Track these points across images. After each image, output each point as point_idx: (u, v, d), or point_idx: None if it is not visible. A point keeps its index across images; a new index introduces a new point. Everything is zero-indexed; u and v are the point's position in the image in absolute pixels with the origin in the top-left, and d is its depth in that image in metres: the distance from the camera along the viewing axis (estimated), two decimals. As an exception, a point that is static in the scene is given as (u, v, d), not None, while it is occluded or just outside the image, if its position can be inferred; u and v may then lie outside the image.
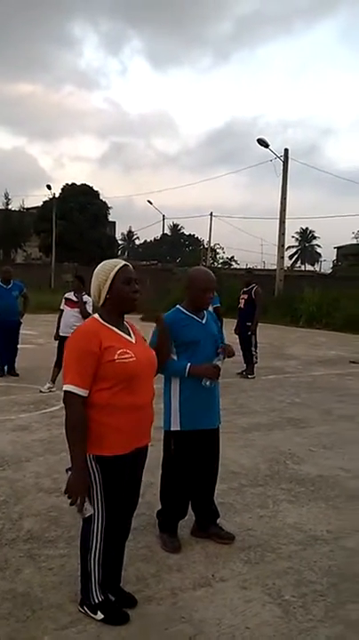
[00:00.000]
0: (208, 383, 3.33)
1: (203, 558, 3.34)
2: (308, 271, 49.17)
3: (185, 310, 3.43)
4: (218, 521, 3.62)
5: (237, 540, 3.54)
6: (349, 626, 2.75)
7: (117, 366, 2.50)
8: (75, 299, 7.55)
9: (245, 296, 9.48)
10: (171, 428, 3.38)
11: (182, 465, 3.41)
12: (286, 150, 23.92)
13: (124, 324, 2.71)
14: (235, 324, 9.57)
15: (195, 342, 3.35)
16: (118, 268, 2.62)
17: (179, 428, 3.36)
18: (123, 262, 2.67)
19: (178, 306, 3.49)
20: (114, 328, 2.62)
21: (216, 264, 31.25)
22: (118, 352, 2.52)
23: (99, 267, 2.67)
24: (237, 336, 9.46)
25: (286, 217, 24.21)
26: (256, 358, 9.47)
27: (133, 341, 2.66)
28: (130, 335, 2.68)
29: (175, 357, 3.36)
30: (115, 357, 2.50)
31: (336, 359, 12.44)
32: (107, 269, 2.62)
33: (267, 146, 23.23)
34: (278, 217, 24.11)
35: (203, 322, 3.43)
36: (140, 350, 2.65)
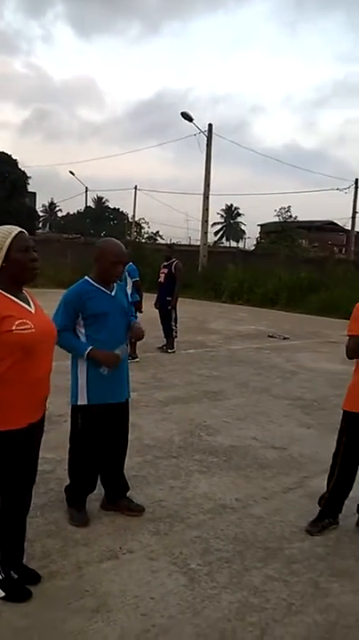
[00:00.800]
0: (106, 372, 3.25)
1: (111, 531, 3.32)
2: (232, 247, 49.84)
3: (93, 282, 3.33)
4: (128, 494, 3.61)
5: (147, 512, 3.54)
6: (252, 591, 2.82)
7: (15, 337, 2.38)
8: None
9: (165, 270, 9.45)
10: (79, 403, 3.31)
11: (90, 439, 3.35)
12: (210, 125, 23.92)
13: (23, 293, 2.59)
14: (155, 299, 9.54)
15: (104, 314, 3.27)
16: (13, 235, 2.46)
17: (86, 403, 3.29)
18: (19, 229, 2.52)
19: (86, 277, 3.38)
20: (12, 297, 2.49)
21: (141, 239, 31.04)
22: (17, 323, 2.40)
23: None
24: (157, 310, 9.44)
25: (210, 193, 24.37)
26: (176, 333, 9.50)
27: (33, 311, 2.55)
28: (29, 305, 2.56)
29: (83, 330, 3.27)
30: (13, 328, 2.38)
31: (255, 333, 12.71)
32: (0, 237, 2.46)
33: (191, 120, 23.12)
34: (202, 192, 24.17)
35: (112, 294, 3.35)
36: (40, 321, 2.54)
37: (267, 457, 4.70)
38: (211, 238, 47.65)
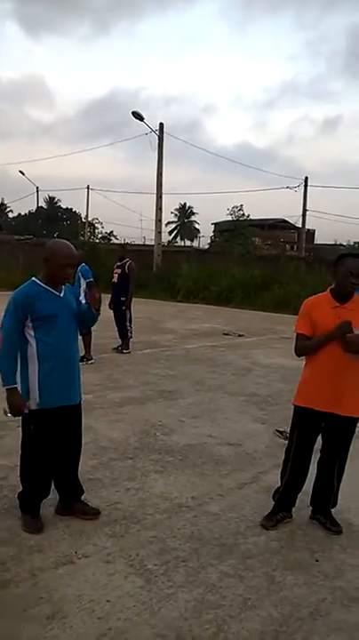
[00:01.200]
0: (8, 415, 3.24)
1: (66, 536, 3.28)
2: (186, 246, 50.02)
3: (41, 283, 3.28)
4: (83, 497, 3.57)
5: (103, 515, 3.52)
6: (208, 588, 2.84)
7: None
8: None
9: (119, 270, 9.40)
10: (30, 407, 3.25)
11: (42, 444, 3.30)
12: (161, 125, 23.92)
13: None
14: (109, 299, 9.47)
15: (53, 316, 3.22)
16: None
17: (37, 407, 3.24)
18: None
19: (33, 278, 3.32)
20: None
21: (94, 239, 30.80)
22: None
23: None
24: (112, 311, 9.38)
25: (164, 192, 24.39)
26: (131, 333, 9.46)
27: None
28: None
29: (32, 333, 3.21)
30: None
31: (211, 331, 12.79)
32: None
33: (141, 119, 23.05)
34: (155, 192, 24.16)
35: (61, 295, 3.31)
36: None
37: (223, 454, 4.74)
38: (166, 238, 47.68)
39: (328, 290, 3.44)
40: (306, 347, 3.39)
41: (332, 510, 3.58)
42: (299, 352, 3.42)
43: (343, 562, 3.16)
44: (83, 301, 3.69)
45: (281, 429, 4.92)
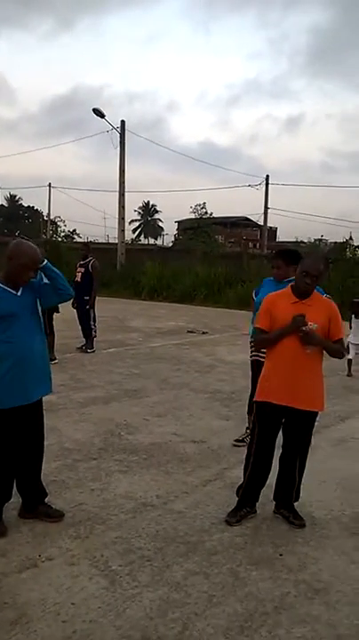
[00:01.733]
0: None
1: (30, 539, 3.24)
2: (150, 245, 49.98)
3: (-1, 282, 3.22)
4: (46, 499, 3.53)
5: (67, 517, 3.48)
6: (173, 586, 2.84)
7: None
8: None
9: (82, 269, 9.31)
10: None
11: (1, 446, 3.24)
12: (123, 122, 23.83)
13: None
14: (73, 298, 9.36)
15: (11, 315, 3.17)
16: None
17: (-5, 407, 3.18)
18: None
19: None
20: None
21: (57, 237, 30.45)
22: None
23: None
24: (75, 310, 9.30)
25: (127, 190, 24.26)
26: (95, 332, 9.39)
27: None
28: None
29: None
30: None
31: (175, 329, 12.81)
32: None
33: (102, 116, 22.87)
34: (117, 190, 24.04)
35: (19, 294, 3.25)
36: None
37: (187, 451, 4.75)
38: (129, 236, 47.50)
39: (289, 286, 3.52)
40: (263, 340, 3.53)
41: (295, 504, 3.63)
42: (257, 345, 3.60)
43: (306, 555, 3.20)
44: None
45: (239, 438, 4.93)
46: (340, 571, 3.05)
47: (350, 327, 8.23)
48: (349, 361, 8.19)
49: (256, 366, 4.63)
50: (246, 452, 3.64)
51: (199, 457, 4.65)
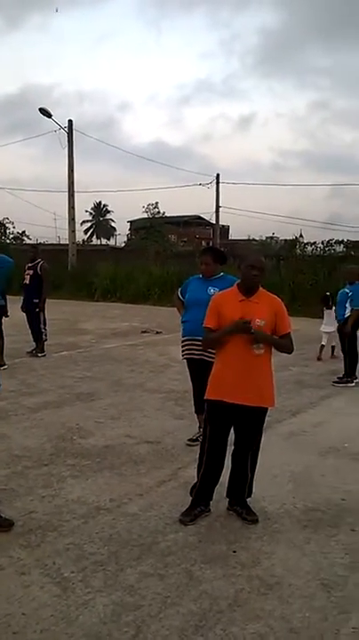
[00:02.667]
0: None
1: (-21, 551, 3.15)
2: (102, 245, 49.60)
3: None
4: (-5, 509, 3.45)
5: (17, 526, 3.40)
6: (127, 590, 2.81)
7: None
8: None
9: (30, 272, 9.14)
10: None
11: None
12: (70, 121, 23.55)
13: None
14: (22, 302, 9.20)
15: None
16: None
17: None
18: None
19: None
20: None
21: (5, 239, 29.81)
22: None
23: None
24: (25, 314, 9.13)
25: (77, 190, 24.02)
26: (46, 335, 9.24)
27: None
28: None
29: None
30: None
31: (129, 330, 12.76)
32: None
33: (49, 116, 22.55)
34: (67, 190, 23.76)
35: None
36: None
37: (141, 453, 4.72)
38: (81, 236, 47.01)
39: (236, 284, 3.57)
40: (210, 339, 3.58)
41: (248, 500, 3.65)
42: (205, 345, 3.67)
43: (259, 550, 3.23)
44: None
45: (192, 438, 4.94)
46: (293, 564, 3.09)
47: (322, 317, 9.46)
48: (321, 347, 9.38)
49: (192, 365, 4.68)
50: (199, 450, 3.64)
51: (153, 458, 4.63)
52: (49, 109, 22.57)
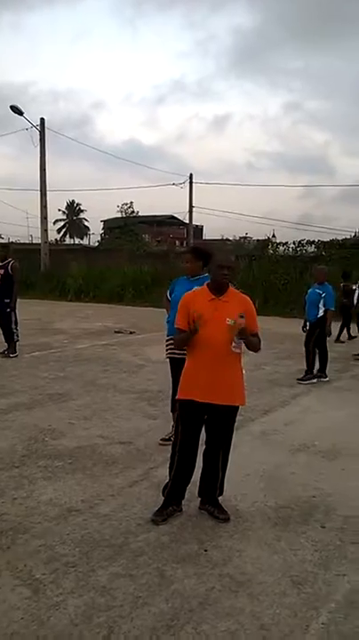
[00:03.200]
0: None
1: None
2: (75, 244, 49.26)
3: None
4: (-35, 512, 3.41)
5: (-12, 528, 3.38)
6: (98, 591, 2.81)
7: None
8: None
9: (1, 271, 9.03)
10: None
11: None
12: (42, 120, 23.33)
13: None
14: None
15: None
16: None
17: None
18: None
19: None
20: None
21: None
22: None
23: None
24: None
25: (49, 189, 23.82)
26: (17, 336, 9.14)
27: None
28: None
29: None
30: None
31: (102, 330, 12.71)
32: None
33: (21, 113, 22.32)
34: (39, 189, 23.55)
35: None
36: None
37: (114, 453, 4.72)
38: (54, 236, 46.61)
39: (205, 284, 3.59)
40: (180, 339, 3.56)
41: (220, 498, 3.68)
42: (177, 345, 3.68)
43: (231, 548, 3.25)
44: None
45: (165, 437, 4.94)
46: (263, 562, 3.12)
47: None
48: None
49: (174, 364, 4.69)
50: (171, 450, 3.65)
51: (126, 458, 4.63)
52: (20, 107, 22.34)
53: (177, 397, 3.58)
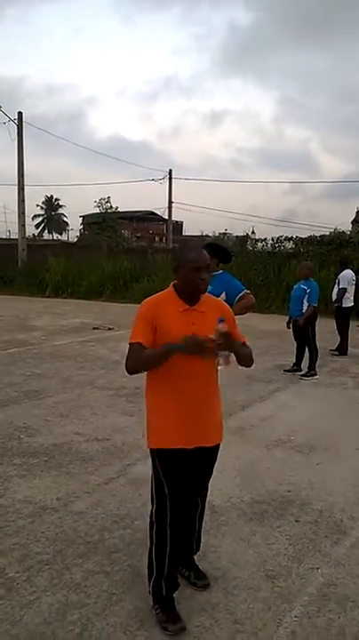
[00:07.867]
0: None
1: None
2: (53, 240, 48.89)
3: None
4: None
5: None
6: (72, 588, 2.80)
7: None
8: None
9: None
10: None
11: None
12: (20, 113, 23.03)
13: None
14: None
15: None
16: None
17: None
18: None
19: None
20: None
21: None
22: None
23: None
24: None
25: (27, 183, 23.56)
26: (-6, 332, 9.06)
27: None
28: None
29: None
30: None
31: (80, 326, 12.63)
32: None
33: (-2, 107, 22.09)
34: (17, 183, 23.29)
35: None
36: None
37: (90, 450, 4.69)
38: (32, 231, 46.17)
39: (170, 287, 2.67)
40: (140, 360, 2.57)
41: (195, 557, 3.00)
42: (131, 367, 2.62)
43: (205, 543, 3.24)
44: None
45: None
46: (238, 557, 3.14)
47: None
48: None
49: None
50: (154, 523, 2.64)
51: (102, 455, 4.61)
52: (-3, 101, 22.04)
53: (153, 447, 2.64)
